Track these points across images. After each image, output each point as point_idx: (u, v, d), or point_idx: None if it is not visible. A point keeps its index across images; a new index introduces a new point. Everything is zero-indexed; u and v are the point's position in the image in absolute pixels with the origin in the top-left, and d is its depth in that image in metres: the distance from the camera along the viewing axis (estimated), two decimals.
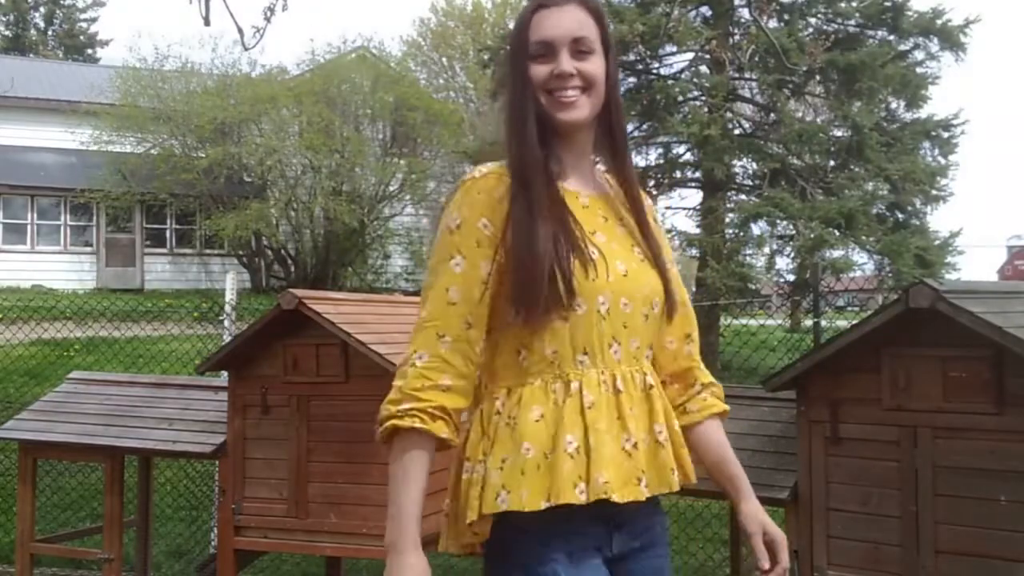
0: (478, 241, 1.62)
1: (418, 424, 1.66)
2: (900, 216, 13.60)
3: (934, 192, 13.37)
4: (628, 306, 1.66)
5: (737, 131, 13.88)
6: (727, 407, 1.89)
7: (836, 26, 13.63)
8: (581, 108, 1.68)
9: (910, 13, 13.26)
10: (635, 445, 1.62)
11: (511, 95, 1.71)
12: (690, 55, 14.02)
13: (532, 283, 1.57)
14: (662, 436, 1.67)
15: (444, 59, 26.53)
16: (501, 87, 1.95)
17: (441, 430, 1.66)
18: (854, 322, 2.90)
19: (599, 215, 1.72)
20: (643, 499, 1.62)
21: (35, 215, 20.68)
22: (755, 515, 1.81)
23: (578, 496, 1.56)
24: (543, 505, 1.56)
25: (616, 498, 1.57)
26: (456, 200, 1.66)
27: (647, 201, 1.80)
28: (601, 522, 1.63)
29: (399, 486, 1.79)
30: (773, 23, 13.36)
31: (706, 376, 1.86)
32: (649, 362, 1.73)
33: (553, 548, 1.61)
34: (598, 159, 1.80)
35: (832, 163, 13.32)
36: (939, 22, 13.30)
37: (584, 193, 1.73)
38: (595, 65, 1.69)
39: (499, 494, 1.61)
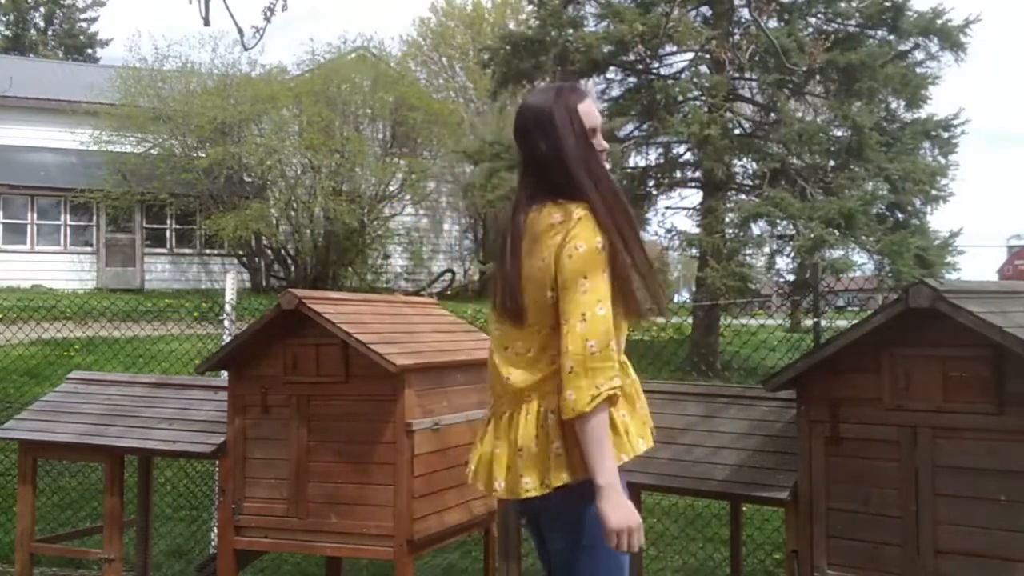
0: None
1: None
2: (900, 216, 13.60)
3: (934, 192, 13.37)
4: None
5: (737, 131, 13.88)
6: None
7: (836, 26, 13.62)
8: None
9: (910, 13, 13.26)
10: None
11: (591, 162, 2.30)
12: (690, 55, 14.02)
13: (646, 300, 2.27)
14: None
15: (444, 59, 26.53)
16: (556, 144, 2.26)
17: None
18: (854, 322, 2.90)
19: None
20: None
21: (35, 215, 20.68)
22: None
23: (642, 448, 2.30)
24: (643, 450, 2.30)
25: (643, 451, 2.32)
26: (590, 228, 2.22)
27: None
28: None
29: (609, 443, 2.19)
30: (773, 23, 13.37)
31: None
32: None
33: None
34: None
35: (832, 163, 13.32)
36: (939, 22, 13.30)
37: None
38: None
39: (640, 441, 2.28)
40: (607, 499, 2.11)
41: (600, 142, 2.34)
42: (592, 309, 2.14)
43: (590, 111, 2.33)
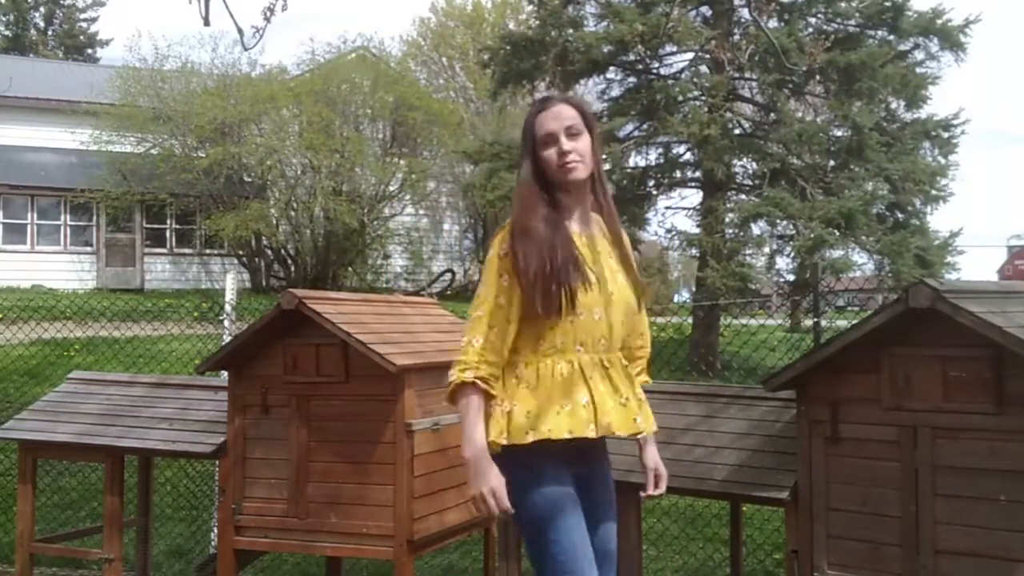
0: (509, 269, 2.43)
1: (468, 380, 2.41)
2: (900, 216, 13.60)
3: (934, 192, 13.36)
4: (615, 315, 2.48)
5: (737, 131, 13.87)
6: (647, 379, 2.70)
7: (836, 26, 13.62)
8: (580, 170, 2.48)
9: (910, 13, 13.25)
10: (626, 401, 2.48)
11: (522, 182, 2.52)
12: (690, 55, 14.02)
13: (554, 298, 2.39)
14: (635, 398, 2.52)
15: (444, 59, 26.52)
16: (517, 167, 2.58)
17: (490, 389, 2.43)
18: (854, 322, 2.90)
19: (595, 250, 2.52)
20: (641, 432, 2.50)
21: (35, 215, 20.68)
22: (652, 455, 2.67)
23: (589, 432, 2.39)
24: (567, 435, 2.37)
25: (620, 434, 2.44)
26: (499, 238, 2.48)
27: (624, 235, 2.62)
28: (574, 450, 2.44)
29: (470, 420, 2.40)
30: (773, 23, 13.37)
31: (645, 354, 2.71)
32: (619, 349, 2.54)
33: (548, 460, 2.43)
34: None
35: (832, 163, 13.31)
36: (939, 22, 13.29)
37: (583, 233, 2.53)
38: (585, 143, 2.49)
39: (528, 432, 2.38)
40: (468, 471, 2.38)
41: (550, 153, 2.48)
42: (471, 312, 2.46)
43: (544, 119, 2.50)
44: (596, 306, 2.43)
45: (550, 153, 2.47)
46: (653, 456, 2.66)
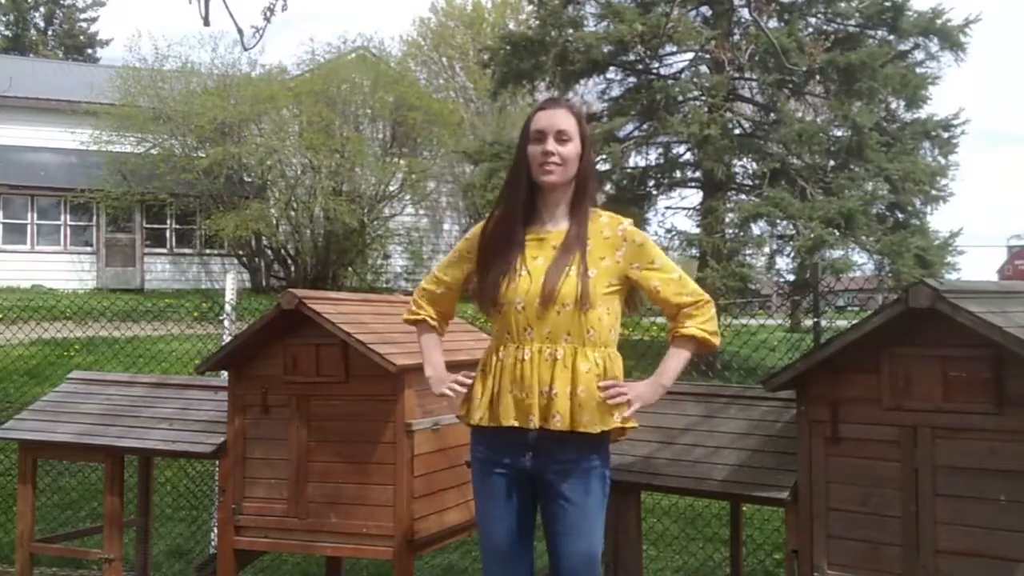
0: (468, 250, 2.79)
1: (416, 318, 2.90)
2: (900, 216, 13.61)
3: (934, 192, 13.37)
4: (541, 305, 2.56)
5: (737, 131, 13.87)
6: (695, 332, 2.69)
7: (836, 26, 13.63)
8: (555, 175, 2.63)
9: (910, 13, 13.26)
10: (526, 394, 2.55)
11: (512, 166, 2.73)
12: (690, 55, 14.03)
13: (482, 291, 2.69)
14: (553, 392, 2.54)
15: (444, 59, 26.52)
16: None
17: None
18: (854, 322, 2.90)
19: (551, 245, 2.64)
20: (530, 427, 2.54)
21: (35, 215, 20.68)
22: (638, 382, 2.70)
23: (480, 421, 2.62)
24: (489, 424, 2.61)
25: (505, 424, 2.56)
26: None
27: (615, 231, 2.67)
28: (518, 440, 2.58)
29: (421, 346, 2.89)
30: (773, 23, 13.38)
31: (684, 318, 2.69)
32: (580, 341, 2.57)
33: (480, 447, 2.70)
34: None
35: (832, 163, 13.32)
36: (939, 22, 13.30)
37: (547, 231, 2.67)
38: (570, 150, 2.64)
39: (477, 415, 2.64)
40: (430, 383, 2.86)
41: (534, 150, 2.64)
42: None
43: (540, 117, 2.67)
44: (518, 299, 2.58)
45: (534, 150, 2.64)
46: (638, 383, 2.69)
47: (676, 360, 2.70)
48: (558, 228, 2.67)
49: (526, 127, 2.68)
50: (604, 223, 2.68)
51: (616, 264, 2.64)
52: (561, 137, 2.62)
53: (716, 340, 2.71)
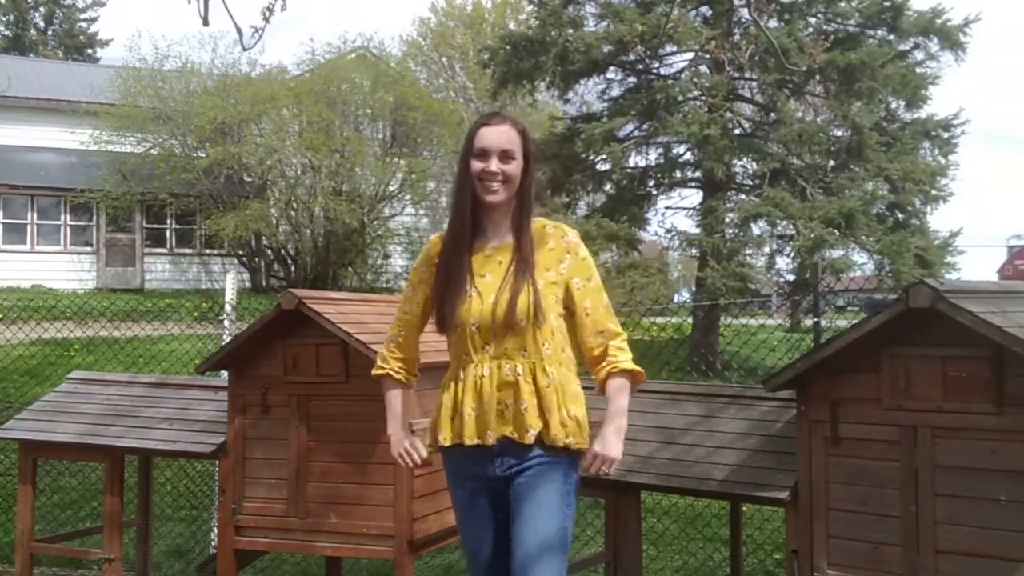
0: (420, 279, 2.76)
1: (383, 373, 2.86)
2: (900, 216, 13.61)
3: (934, 192, 13.38)
4: (495, 323, 2.55)
5: (737, 131, 13.88)
6: (633, 367, 2.64)
7: (836, 26, 13.63)
8: (499, 194, 2.61)
9: (910, 13, 13.26)
10: (484, 411, 2.57)
11: (457, 180, 2.70)
12: (690, 55, 14.02)
13: (439, 314, 2.65)
14: (519, 407, 2.55)
15: (444, 59, 26.49)
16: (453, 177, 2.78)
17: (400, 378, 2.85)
18: (854, 322, 2.89)
19: (496, 260, 2.63)
20: (490, 443, 2.56)
21: (35, 215, 20.67)
22: (602, 435, 2.59)
23: (443, 441, 2.64)
24: (452, 442, 2.63)
25: (468, 443, 2.58)
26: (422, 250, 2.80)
27: (559, 242, 2.66)
28: (483, 454, 2.59)
29: (387, 402, 2.87)
30: (773, 23, 13.38)
31: (615, 351, 2.65)
32: (536, 356, 2.58)
33: (450, 464, 2.72)
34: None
35: (832, 163, 13.33)
36: (939, 22, 13.30)
37: (492, 247, 2.66)
38: (514, 168, 2.62)
39: (442, 435, 2.66)
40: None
41: (477, 167, 2.61)
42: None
43: (484, 134, 2.62)
44: (472, 319, 2.57)
45: (477, 167, 2.61)
46: (601, 438, 2.58)
47: (624, 396, 2.62)
48: (503, 243, 2.65)
49: (469, 142, 2.64)
50: (549, 233, 2.66)
51: (560, 276, 2.63)
52: (505, 155, 2.60)
53: (644, 376, 2.68)
